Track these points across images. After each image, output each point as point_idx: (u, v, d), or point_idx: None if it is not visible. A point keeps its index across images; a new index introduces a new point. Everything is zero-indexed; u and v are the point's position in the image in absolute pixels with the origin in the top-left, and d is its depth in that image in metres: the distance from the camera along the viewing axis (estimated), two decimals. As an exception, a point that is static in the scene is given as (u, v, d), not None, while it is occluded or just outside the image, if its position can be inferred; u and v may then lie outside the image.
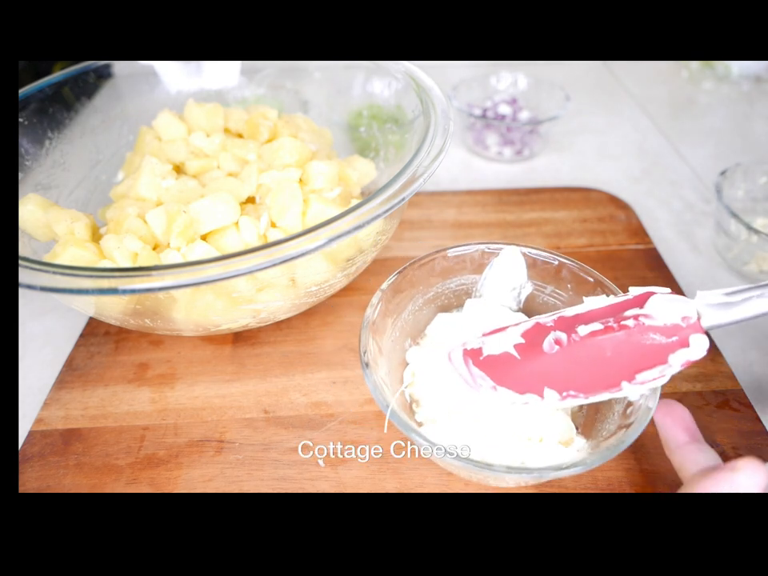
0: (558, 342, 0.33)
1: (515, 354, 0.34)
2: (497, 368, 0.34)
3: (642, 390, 0.31)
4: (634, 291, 0.33)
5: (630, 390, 0.31)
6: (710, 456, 0.31)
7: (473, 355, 0.35)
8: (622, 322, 0.32)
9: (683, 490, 0.30)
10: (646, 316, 0.31)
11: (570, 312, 0.35)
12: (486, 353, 0.34)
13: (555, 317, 0.35)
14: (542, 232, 0.57)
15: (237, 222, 0.41)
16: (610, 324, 0.32)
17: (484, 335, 0.36)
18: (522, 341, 0.34)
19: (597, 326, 0.32)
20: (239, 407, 0.42)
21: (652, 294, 0.32)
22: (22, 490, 0.37)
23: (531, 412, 0.35)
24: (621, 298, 0.34)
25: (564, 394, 0.32)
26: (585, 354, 0.32)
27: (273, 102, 0.59)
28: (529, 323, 0.35)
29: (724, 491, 0.27)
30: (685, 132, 0.76)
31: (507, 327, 0.36)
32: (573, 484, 0.36)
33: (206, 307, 0.37)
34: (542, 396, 0.33)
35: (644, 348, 0.31)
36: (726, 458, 0.37)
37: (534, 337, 0.34)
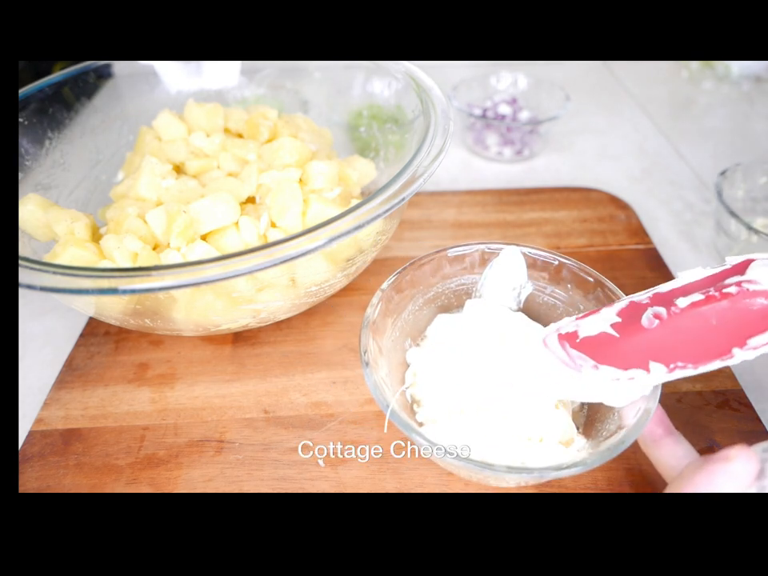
0: (657, 316, 0.32)
1: (613, 332, 0.33)
2: (596, 348, 0.33)
3: (755, 354, 0.30)
4: (732, 260, 0.33)
5: (742, 356, 0.30)
6: (686, 448, 0.32)
7: (568, 338, 0.34)
8: (724, 290, 0.31)
9: (672, 484, 0.30)
10: (749, 282, 0.30)
11: (664, 288, 0.34)
12: (581, 335, 0.34)
13: (650, 294, 0.34)
14: (542, 232, 0.57)
15: (237, 222, 0.41)
16: (711, 293, 0.31)
17: (577, 319, 0.35)
18: (619, 319, 0.33)
19: (697, 296, 0.31)
20: (239, 407, 0.42)
21: (752, 260, 0.32)
22: (22, 489, 0.37)
23: (531, 412, 0.35)
24: (718, 268, 0.33)
25: (671, 366, 0.31)
26: (688, 325, 0.31)
27: (273, 102, 0.59)
28: (623, 303, 0.35)
29: (720, 482, 0.27)
30: (685, 132, 0.76)
31: (600, 309, 0.35)
32: (573, 484, 0.36)
33: (206, 307, 0.37)
34: (647, 370, 0.32)
35: (752, 314, 0.30)
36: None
37: (631, 314, 0.33)
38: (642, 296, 0.34)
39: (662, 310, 0.32)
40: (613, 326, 0.33)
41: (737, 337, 0.30)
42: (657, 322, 0.32)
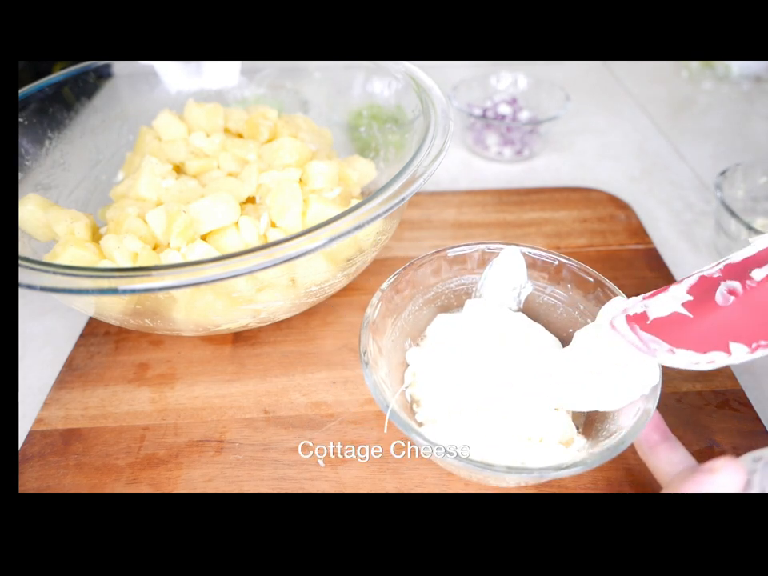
0: (732, 292, 0.30)
1: (686, 312, 0.31)
2: (669, 330, 0.31)
3: None
4: None
5: None
6: (682, 454, 0.31)
7: (638, 320, 0.32)
8: None
9: (662, 492, 0.30)
10: None
11: (736, 257, 0.32)
12: (652, 316, 0.32)
13: (721, 266, 0.32)
14: (542, 232, 0.57)
15: (237, 222, 0.41)
16: None
17: (644, 298, 0.33)
18: (690, 297, 0.31)
19: None
20: (239, 407, 0.42)
21: None
22: (22, 490, 0.37)
23: (531, 412, 0.35)
24: None
25: (754, 345, 0.29)
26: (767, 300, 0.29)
27: (273, 102, 0.59)
28: (692, 278, 0.32)
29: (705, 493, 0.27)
30: (685, 132, 0.76)
31: (668, 287, 0.33)
32: (573, 484, 0.36)
33: (206, 307, 0.37)
34: (728, 352, 0.30)
35: None
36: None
37: (703, 291, 0.31)
38: (713, 269, 0.32)
39: (736, 285, 0.30)
40: (685, 305, 0.31)
41: None
42: (732, 298, 0.30)
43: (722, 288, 0.30)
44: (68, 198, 0.49)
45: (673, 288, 0.32)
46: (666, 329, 0.31)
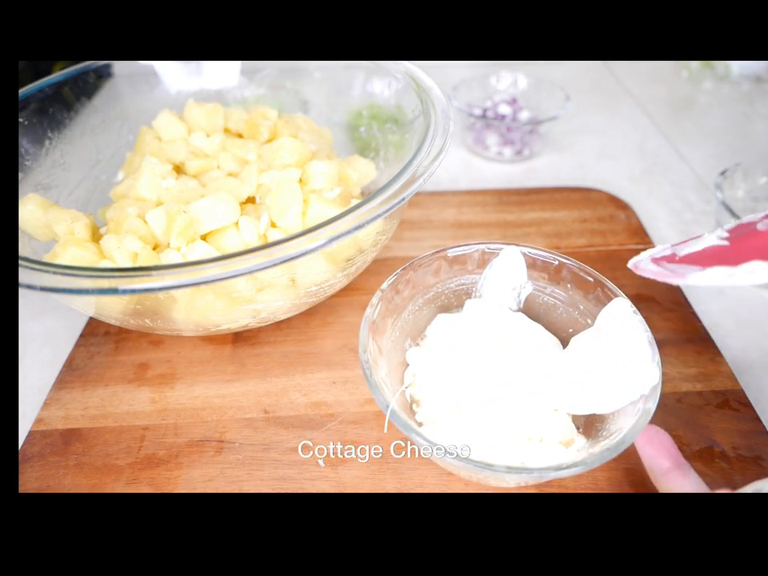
0: None
1: (723, 243, 0.29)
2: (701, 258, 0.30)
3: None
4: None
5: None
6: (694, 480, 0.31)
7: (666, 259, 0.31)
8: None
9: None
10: None
11: None
12: (681, 254, 0.30)
13: (762, 213, 0.31)
14: (542, 232, 0.57)
15: (237, 222, 0.41)
16: None
17: (674, 246, 0.32)
18: (727, 235, 0.30)
19: None
20: (239, 407, 0.42)
21: None
22: (22, 490, 0.37)
23: (531, 412, 0.35)
24: None
25: None
26: None
27: (273, 102, 0.59)
28: (730, 224, 0.31)
29: None
30: (685, 132, 0.76)
31: (703, 234, 0.31)
32: (573, 484, 0.36)
33: (206, 307, 0.37)
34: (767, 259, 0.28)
35: None
36: (725, 458, 0.37)
37: (742, 230, 0.30)
38: (754, 216, 0.31)
39: None
40: (722, 239, 0.30)
41: None
42: None
43: (766, 221, 0.29)
44: (68, 198, 0.49)
45: (707, 235, 0.31)
46: (697, 258, 0.30)
